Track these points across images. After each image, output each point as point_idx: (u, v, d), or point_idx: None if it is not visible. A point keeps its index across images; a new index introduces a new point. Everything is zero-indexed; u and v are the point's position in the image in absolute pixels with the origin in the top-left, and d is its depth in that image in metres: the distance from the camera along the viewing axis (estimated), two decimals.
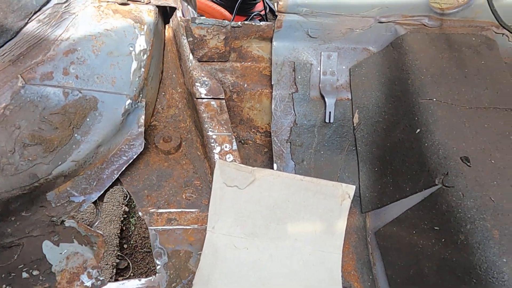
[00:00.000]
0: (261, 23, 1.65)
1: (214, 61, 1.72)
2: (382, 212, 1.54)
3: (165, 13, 1.70)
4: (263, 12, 2.97)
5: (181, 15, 1.60)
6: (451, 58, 1.53)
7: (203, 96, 1.52)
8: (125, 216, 1.51)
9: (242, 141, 1.79)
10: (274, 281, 1.38)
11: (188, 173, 1.59)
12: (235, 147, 1.47)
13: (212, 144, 1.46)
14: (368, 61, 1.69)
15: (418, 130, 1.39)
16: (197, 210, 1.50)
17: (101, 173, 1.45)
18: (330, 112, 1.66)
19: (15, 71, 1.26)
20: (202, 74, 1.54)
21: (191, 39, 1.63)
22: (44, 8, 1.32)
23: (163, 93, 1.73)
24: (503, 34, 1.66)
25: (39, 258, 1.31)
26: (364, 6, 1.59)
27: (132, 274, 1.46)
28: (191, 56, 1.56)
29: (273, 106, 1.65)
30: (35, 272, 1.30)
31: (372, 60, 1.68)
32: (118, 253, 1.42)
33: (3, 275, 1.25)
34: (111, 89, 1.40)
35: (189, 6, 1.86)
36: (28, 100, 1.27)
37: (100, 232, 1.39)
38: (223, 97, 1.54)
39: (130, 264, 1.47)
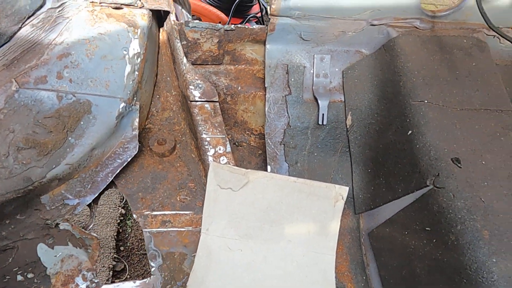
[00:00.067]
0: (254, 26, 1.67)
1: (208, 64, 1.73)
2: (375, 213, 1.55)
3: (159, 16, 1.72)
4: (259, 15, 2.98)
5: (175, 19, 1.62)
6: (443, 60, 1.54)
7: (197, 99, 1.53)
8: (122, 218, 1.52)
9: (237, 143, 1.80)
10: (268, 282, 1.38)
11: (183, 176, 1.60)
12: (229, 149, 1.48)
13: (206, 147, 1.47)
14: (361, 64, 1.70)
15: (410, 132, 1.40)
16: (191, 212, 1.51)
17: (95, 176, 1.46)
18: (323, 114, 1.67)
19: (9, 75, 1.27)
20: (196, 77, 1.55)
21: (184, 42, 1.64)
22: (38, 12, 1.33)
23: (158, 96, 1.74)
24: (494, 36, 1.68)
25: (33, 261, 1.32)
26: (356, 9, 1.60)
27: (128, 276, 1.46)
28: (185, 59, 1.57)
29: (266, 109, 1.66)
30: (30, 275, 1.30)
31: (364, 62, 1.69)
32: (115, 255, 1.43)
33: None
34: (105, 93, 1.41)
35: (183, 10, 1.87)
36: (22, 104, 1.28)
37: (95, 234, 1.39)
38: (217, 99, 1.55)
39: (127, 266, 1.48)
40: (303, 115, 1.69)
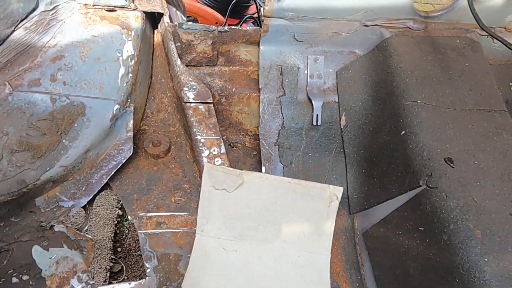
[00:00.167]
0: (248, 27, 1.67)
1: (202, 66, 1.73)
2: (370, 213, 1.56)
3: (154, 18, 1.72)
4: (256, 15, 2.98)
5: (169, 21, 1.62)
6: (436, 61, 1.55)
7: (191, 100, 1.53)
8: (119, 219, 1.53)
9: (232, 144, 1.80)
10: (263, 283, 1.39)
11: (177, 177, 1.61)
12: (223, 150, 1.48)
13: (201, 148, 1.48)
14: (355, 64, 1.70)
15: (403, 132, 1.41)
16: (186, 213, 1.51)
17: (90, 178, 1.47)
18: (317, 115, 1.68)
19: (3, 78, 1.27)
20: (190, 79, 1.56)
21: (178, 44, 1.65)
22: (31, 15, 1.33)
23: (153, 98, 1.74)
24: (487, 36, 1.68)
25: (28, 263, 1.32)
26: (350, 10, 1.60)
27: (125, 277, 1.47)
28: (179, 61, 1.58)
29: (261, 110, 1.67)
30: (25, 277, 1.31)
31: (358, 63, 1.70)
32: (112, 256, 1.44)
33: None
34: (99, 95, 1.42)
35: (177, 11, 1.88)
36: (16, 106, 1.29)
37: (89, 236, 1.40)
38: (211, 101, 1.55)
39: (124, 267, 1.48)
40: (298, 116, 1.69)
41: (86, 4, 1.46)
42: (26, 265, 1.32)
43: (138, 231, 1.45)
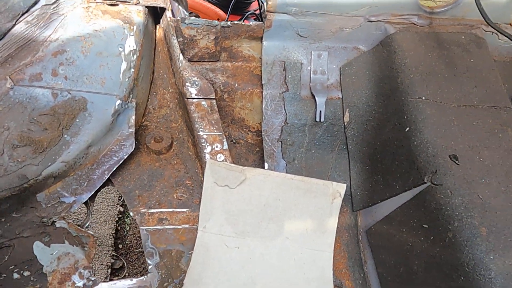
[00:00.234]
0: (251, 23, 1.66)
1: (204, 61, 1.72)
2: (373, 210, 1.55)
3: (156, 13, 1.71)
4: (258, 12, 2.97)
5: (171, 16, 1.60)
6: (440, 57, 1.54)
7: (193, 96, 1.52)
8: (120, 216, 1.52)
9: (234, 141, 1.79)
10: (265, 280, 1.38)
11: (180, 173, 1.60)
12: (226, 146, 1.47)
13: (203, 144, 1.47)
14: (358, 60, 1.69)
15: (408, 129, 1.39)
16: (188, 209, 1.51)
17: (91, 174, 1.46)
18: (320, 111, 1.67)
19: (4, 73, 1.26)
20: (193, 74, 1.54)
21: (181, 39, 1.63)
22: (32, 9, 1.32)
23: (155, 93, 1.73)
24: (492, 32, 1.67)
25: (30, 259, 1.31)
26: (354, 5, 1.59)
27: (127, 274, 1.46)
28: (181, 56, 1.56)
29: (263, 106, 1.66)
30: (26, 273, 1.30)
31: (362, 59, 1.68)
32: (113, 253, 1.43)
33: None
34: (100, 90, 1.40)
35: (179, 6, 1.86)
36: (17, 101, 1.28)
37: (91, 232, 1.39)
38: (214, 97, 1.54)
39: (125, 264, 1.48)
40: (301, 112, 1.68)
41: None
42: (27, 261, 1.31)
43: (140, 228, 1.44)
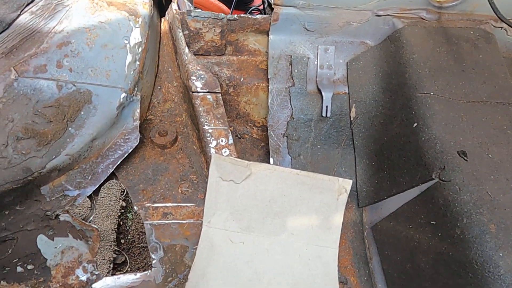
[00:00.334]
0: (258, 16, 1.64)
1: (210, 55, 1.71)
2: (379, 206, 1.54)
3: (161, 6, 1.69)
4: (261, 7, 2.94)
5: (177, 8, 1.59)
6: (449, 52, 1.52)
7: (199, 90, 1.51)
8: (122, 211, 1.51)
9: (239, 135, 1.78)
10: (270, 275, 1.37)
11: (184, 168, 1.58)
12: (231, 141, 1.46)
13: (208, 138, 1.45)
14: (366, 55, 1.67)
15: (415, 124, 1.38)
16: (193, 204, 1.49)
17: (96, 167, 1.44)
18: (327, 106, 1.65)
19: (8, 64, 1.25)
20: (198, 68, 1.53)
21: (186, 32, 1.62)
22: (37, 0, 1.30)
23: (159, 87, 1.72)
24: (501, 28, 1.65)
25: (33, 252, 1.30)
26: None
27: (129, 269, 1.45)
28: (186, 50, 1.55)
29: (269, 100, 1.64)
30: (29, 267, 1.29)
31: (369, 53, 1.67)
32: (115, 248, 1.42)
33: None
34: (105, 82, 1.39)
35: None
36: (21, 93, 1.26)
37: (95, 226, 1.38)
38: (219, 91, 1.52)
39: (127, 259, 1.47)
40: (307, 107, 1.66)
41: None
42: (31, 254, 1.30)
43: (144, 222, 1.43)
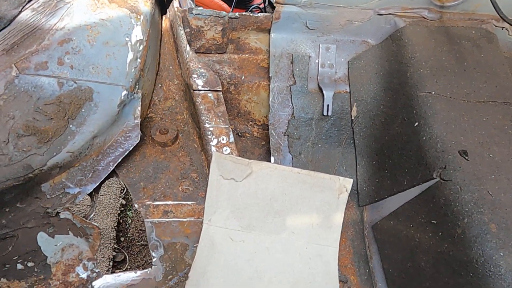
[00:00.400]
0: (259, 14, 1.64)
1: (211, 53, 1.70)
2: (380, 205, 1.54)
3: (162, 3, 1.68)
4: (262, 6, 2.94)
5: (178, 6, 1.58)
6: (451, 51, 1.52)
7: (200, 88, 1.51)
8: (122, 209, 1.51)
9: (240, 134, 1.77)
10: (270, 274, 1.37)
11: (185, 166, 1.58)
12: (232, 139, 1.46)
13: (209, 137, 1.45)
14: (367, 54, 1.67)
15: (416, 124, 1.38)
16: (193, 202, 1.49)
17: (96, 165, 1.44)
18: (328, 105, 1.65)
19: (9, 61, 1.24)
20: (199, 66, 1.52)
21: (188, 30, 1.61)
22: None
23: (160, 85, 1.71)
24: (503, 27, 1.65)
25: (34, 250, 1.30)
26: None
27: (129, 267, 1.45)
28: (188, 48, 1.54)
29: (270, 99, 1.64)
30: (30, 264, 1.29)
31: (371, 52, 1.66)
32: (115, 245, 1.42)
33: None
34: (106, 80, 1.38)
35: None
36: (22, 90, 1.26)
37: (96, 224, 1.38)
38: (220, 89, 1.52)
39: (127, 257, 1.47)
40: (308, 106, 1.66)
41: None
42: (31, 252, 1.30)
43: (145, 220, 1.43)
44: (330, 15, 1.61)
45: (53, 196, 1.36)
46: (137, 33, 1.45)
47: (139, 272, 1.34)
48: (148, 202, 1.47)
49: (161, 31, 1.72)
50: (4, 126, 1.22)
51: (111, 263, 1.38)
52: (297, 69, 1.66)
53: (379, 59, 1.63)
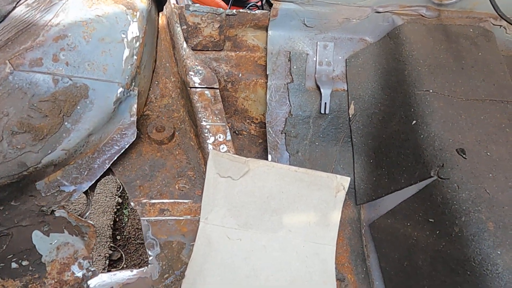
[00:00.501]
0: (257, 11, 1.63)
1: (208, 50, 1.69)
2: (377, 204, 1.53)
3: (159, 0, 1.67)
4: (259, 3, 2.93)
5: (175, 2, 1.57)
6: (448, 50, 1.51)
7: (196, 85, 1.49)
8: (118, 207, 1.50)
9: (237, 132, 1.77)
10: (267, 272, 1.37)
11: (181, 164, 1.57)
12: (229, 137, 1.45)
13: (206, 134, 1.44)
14: (365, 52, 1.67)
15: (414, 122, 1.37)
16: (190, 201, 1.48)
17: (92, 163, 1.43)
18: (325, 103, 1.64)
19: (3, 57, 1.22)
20: (196, 63, 1.51)
21: (185, 27, 1.60)
22: None
23: (156, 82, 1.70)
24: (500, 26, 1.65)
25: (28, 248, 1.29)
26: None
27: (125, 266, 1.44)
28: (185, 45, 1.53)
29: (268, 97, 1.63)
30: (24, 263, 1.28)
31: (368, 50, 1.66)
32: (111, 244, 1.41)
33: None
34: (102, 77, 1.37)
35: None
36: (17, 86, 1.24)
37: (91, 222, 1.37)
38: (217, 86, 1.51)
39: (123, 255, 1.46)
40: (305, 104, 1.66)
41: None
42: (26, 250, 1.29)
43: (141, 218, 1.42)
44: (328, 12, 1.60)
45: (48, 194, 1.35)
46: (134, 30, 1.43)
47: (135, 271, 1.33)
48: (144, 200, 1.46)
49: (158, 28, 1.70)
50: None
51: (107, 262, 1.37)
52: (295, 67, 1.65)
53: (377, 57, 1.62)
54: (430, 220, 1.25)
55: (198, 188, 1.51)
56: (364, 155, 1.61)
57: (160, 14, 1.71)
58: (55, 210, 1.33)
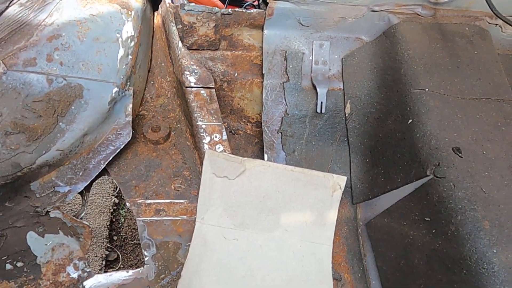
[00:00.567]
0: (252, 10, 1.62)
1: (204, 49, 1.68)
2: (373, 203, 1.53)
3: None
4: (256, 2, 2.92)
5: (170, 1, 1.56)
6: (444, 48, 1.51)
7: (192, 85, 1.49)
8: (115, 207, 1.49)
9: (233, 131, 1.76)
10: (263, 272, 1.36)
11: (177, 164, 1.57)
12: (225, 137, 1.44)
13: (202, 134, 1.44)
14: (361, 51, 1.66)
15: (410, 121, 1.37)
16: (186, 201, 1.48)
17: (87, 163, 1.42)
18: (321, 102, 1.64)
19: None
20: (192, 63, 1.51)
21: (180, 26, 1.59)
22: None
23: (152, 82, 1.69)
24: (496, 24, 1.65)
25: (23, 250, 1.28)
26: None
27: (121, 266, 1.44)
28: (180, 44, 1.52)
29: (264, 96, 1.63)
30: (19, 264, 1.27)
31: (364, 49, 1.66)
32: (108, 244, 1.40)
33: None
34: (97, 77, 1.36)
35: None
36: (10, 86, 1.23)
37: (86, 223, 1.36)
38: (213, 86, 1.51)
39: (120, 256, 1.45)
40: (301, 103, 1.65)
41: None
42: (20, 252, 1.28)
43: (137, 219, 1.41)
44: (324, 11, 1.60)
45: (42, 195, 1.34)
46: (128, 29, 1.43)
47: (131, 271, 1.32)
48: (140, 201, 1.45)
49: (153, 27, 1.69)
50: None
51: (104, 262, 1.37)
52: (291, 66, 1.65)
53: (373, 56, 1.62)
54: (426, 219, 1.25)
55: (194, 188, 1.51)
56: (361, 154, 1.61)
57: (156, 13, 1.71)
58: (50, 211, 1.32)
